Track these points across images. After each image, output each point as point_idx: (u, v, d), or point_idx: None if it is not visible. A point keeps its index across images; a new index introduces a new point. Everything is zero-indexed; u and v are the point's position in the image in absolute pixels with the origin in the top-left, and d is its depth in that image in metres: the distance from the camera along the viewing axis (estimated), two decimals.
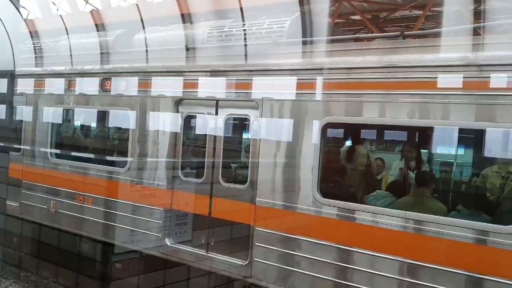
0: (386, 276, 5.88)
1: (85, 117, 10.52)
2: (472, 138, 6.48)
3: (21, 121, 10.99)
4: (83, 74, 9.84)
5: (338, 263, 6.26)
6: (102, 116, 10.01)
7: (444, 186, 6.75)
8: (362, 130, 7.16)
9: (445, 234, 5.54)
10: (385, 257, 5.91)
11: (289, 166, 6.86)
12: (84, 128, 10.87)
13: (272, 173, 6.98)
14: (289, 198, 6.78)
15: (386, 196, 6.44)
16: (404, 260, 5.79)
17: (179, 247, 8.01)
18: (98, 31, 10.72)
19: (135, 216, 8.49)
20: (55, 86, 10.25)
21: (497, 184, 6.19)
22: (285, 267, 6.73)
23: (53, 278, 10.54)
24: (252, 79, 7.38)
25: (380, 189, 6.76)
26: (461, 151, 6.78)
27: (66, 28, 11.16)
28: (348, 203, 6.34)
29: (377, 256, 5.97)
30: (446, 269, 5.52)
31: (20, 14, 14.69)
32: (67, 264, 10.08)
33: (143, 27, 9.58)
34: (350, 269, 6.18)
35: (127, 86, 8.95)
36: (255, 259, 7.02)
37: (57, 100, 10.18)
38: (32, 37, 11.90)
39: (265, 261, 6.92)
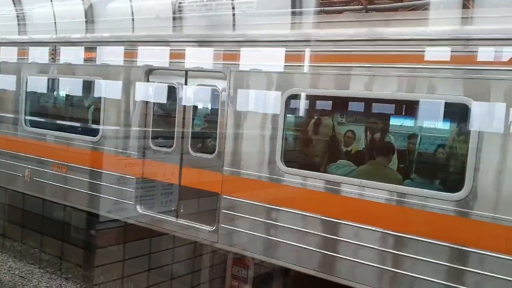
0: (344, 240, 6.17)
1: (58, 86, 10.52)
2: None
3: None
4: (57, 43, 9.80)
5: (300, 229, 6.53)
6: (75, 85, 10.02)
7: (401, 156, 6.98)
8: (322, 102, 7.32)
9: (399, 202, 5.81)
10: (343, 223, 6.19)
11: (255, 137, 7.03)
12: (58, 97, 10.88)
13: (239, 143, 7.16)
14: (255, 167, 6.98)
15: (347, 165, 6.68)
16: (360, 226, 6.08)
17: (150, 214, 8.22)
18: None
19: (107, 184, 8.64)
20: (33, 55, 10.20)
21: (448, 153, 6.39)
22: (250, 232, 6.99)
23: (21, 241, 10.75)
24: (221, 50, 7.45)
25: (342, 158, 6.99)
26: (419, 122, 6.95)
27: None
28: (309, 171, 6.56)
29: (335, 221, 6.25)
30: (399, 234, 5.80)
31: None
32: (39, 230, 10.29)
33: None
34: (310, 234, 6.45)
35: (99, 55, 8.97)
36: (221, 225, 7.26)
37: (30, 68, 10.16)
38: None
39: (231, 227, 7.17)
